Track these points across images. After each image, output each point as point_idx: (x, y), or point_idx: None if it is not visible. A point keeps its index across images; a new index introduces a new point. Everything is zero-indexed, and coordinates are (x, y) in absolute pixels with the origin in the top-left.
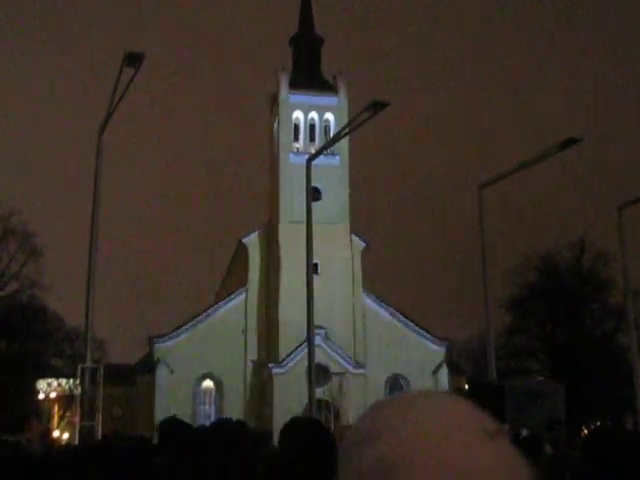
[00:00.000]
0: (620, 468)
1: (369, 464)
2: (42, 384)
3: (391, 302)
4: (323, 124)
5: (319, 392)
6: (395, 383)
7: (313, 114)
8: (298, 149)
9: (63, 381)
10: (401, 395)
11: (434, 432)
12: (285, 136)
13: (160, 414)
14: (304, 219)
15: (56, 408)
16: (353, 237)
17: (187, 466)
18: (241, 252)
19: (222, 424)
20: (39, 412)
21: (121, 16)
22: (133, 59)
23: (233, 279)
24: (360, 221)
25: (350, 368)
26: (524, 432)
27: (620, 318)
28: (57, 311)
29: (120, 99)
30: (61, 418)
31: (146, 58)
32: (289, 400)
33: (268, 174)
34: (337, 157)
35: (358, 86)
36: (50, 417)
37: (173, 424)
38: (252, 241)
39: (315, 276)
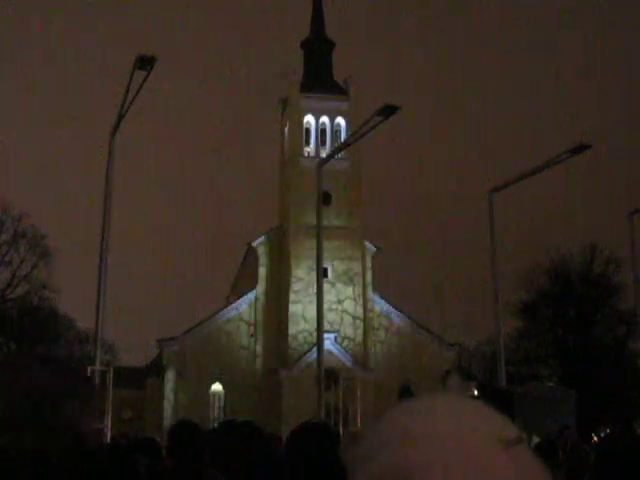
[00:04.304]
0: (631, 475)
1: (383, 470)
2: None
3: (401, 307)
4: (334, 128)
5: (328, 396)
6: (405, 387)
7: (324, 118)
8: (309, 153)
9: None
10: (416, 401)
11: (448, 439)
12: (296, 140)
13: (169, 417)
14: (314, 223)
15: None
16: (363, 241)
17: (195, 469)
18: (251, 256)
19: (229, 427)
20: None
21: (132, 19)
22: (145, 62)
23: (243, 283)
24: (371, 225)
25: (360, 372)
26: (535, 439)
27: (631, 324)
28: (67, 313)
29: (132, 102)
30: None
31: (158, 61)
32: (298, 404)
33: (279, 178)
34: (348, 161)
35: (369, 89)
36: None
37: (182, 427)
38: (262, 245)
39: (325, 280)
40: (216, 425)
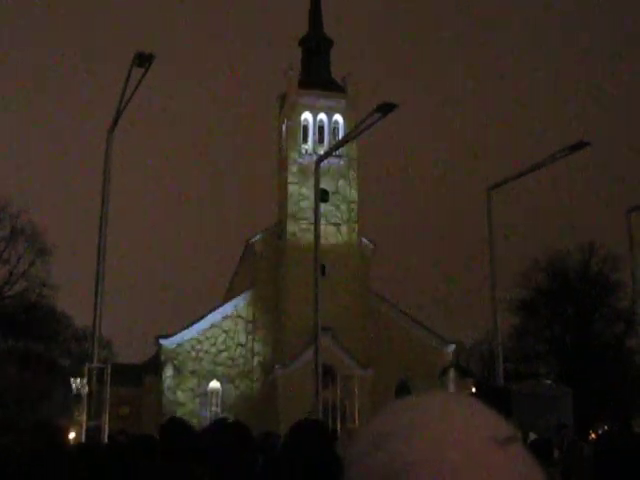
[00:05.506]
0: (629, 473)
1: (379, 467)
2: None
3: (399, 304)
4: (332, 125)
5: (326, 393)
6: (402, 384)
7: (322, 115)
8: (307, 150)
9: (70, 380)
10: (411, 398)
11: (443, 437)
12: (293, 137)
13: (167, 414)
14: (312, 220)
15: None
16: (361, 239)
17: (185, 469)
18: (249, 253)
19: (221, 428)
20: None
21: (131, 16)
22: (143, 59)
23: (241, 280)
24: (369, 223)
25: (357, 369)
26: (531, 436)
27: (628, 322)
28: (65, 310)
29: (130, 99)
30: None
31: (156, 58)
32: (295, 401)
33: (276, 175)
34: (345, 158)
35: (367, 87)
36: None
37: (173, 426)
38: (259, 242)
39: (322, 277)
40: (210, 423)
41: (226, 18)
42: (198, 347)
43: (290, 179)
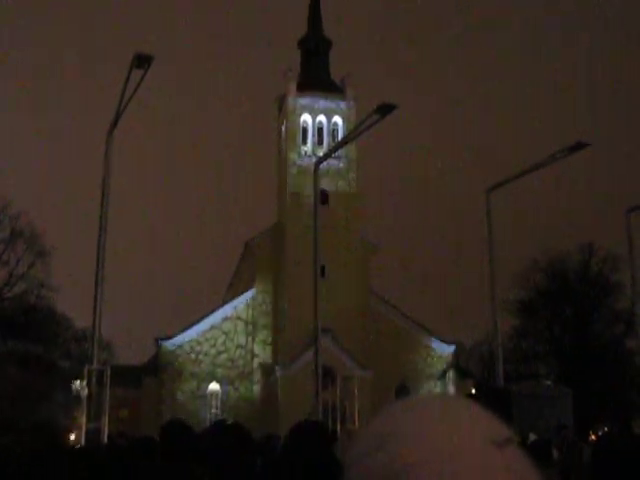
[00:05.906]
0: (629, 475)
1: (378, 468)
2: None
3: (399, 305)
4: (331, 127)
5: (326, 395)
6: (402, 386)
7: (321, 117)
8: (306, 152)
9: (70, 382)
10: (411, 400)
11: (442, 439)
12: (293, 139)
13: (167, 416)
14: (312, 222)
15: None
16: (361, 240)
17: (185, 469)
18: (248, 254)
19: (220, 430)
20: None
21: (131, 16)
22: (142, 61)
23: (240, 282)
24: (368, 224)
25: (357, 370)
26: (531, 436)
27: (628, 323)
28: (65, 312)
29: (129, 100)
30: None
31: (155, 59)
32: (296, 403)
33: (276, 176)
34: (345, 159)
35: (367, 87)
36: None
37: (173, 428)
38: (259, 243)
39: (322, 279)
40: (210, 425)
41: (226, 18)
42: (198, 349)
43: (290, 180)
